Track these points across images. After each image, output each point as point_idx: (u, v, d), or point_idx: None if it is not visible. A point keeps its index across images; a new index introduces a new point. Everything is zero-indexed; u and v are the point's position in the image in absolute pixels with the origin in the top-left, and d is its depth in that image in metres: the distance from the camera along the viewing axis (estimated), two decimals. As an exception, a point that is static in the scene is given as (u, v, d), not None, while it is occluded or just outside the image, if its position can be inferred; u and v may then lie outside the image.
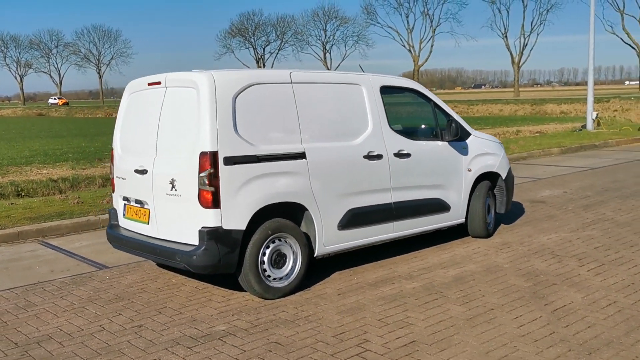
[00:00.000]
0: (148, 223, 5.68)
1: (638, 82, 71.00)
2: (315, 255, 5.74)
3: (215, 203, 5.06)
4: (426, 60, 77.64)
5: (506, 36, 73.41)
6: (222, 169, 5.08)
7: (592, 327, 4.55)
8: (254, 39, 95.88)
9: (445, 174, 6.87)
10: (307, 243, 5.64)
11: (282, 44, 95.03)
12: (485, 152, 7.36)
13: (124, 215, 6.10)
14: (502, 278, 5.82)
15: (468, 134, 7.15)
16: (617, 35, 65.77)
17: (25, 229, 8.45)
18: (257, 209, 5.26)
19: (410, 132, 6.72)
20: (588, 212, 8.77)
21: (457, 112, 36.10)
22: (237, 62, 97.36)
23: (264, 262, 5.36)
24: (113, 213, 6.27)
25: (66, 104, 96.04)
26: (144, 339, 4.64)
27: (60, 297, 5.76)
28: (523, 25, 72.85)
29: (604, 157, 16.10)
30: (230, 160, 5.12)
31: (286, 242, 5.49)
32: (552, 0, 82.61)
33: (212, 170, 5.04)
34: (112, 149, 6.30)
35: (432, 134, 6.93)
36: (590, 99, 24.04)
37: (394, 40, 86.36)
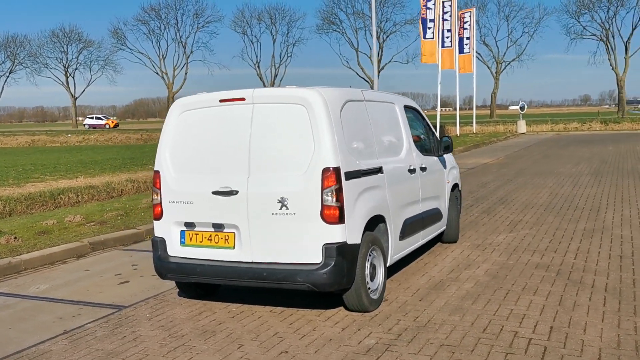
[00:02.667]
0: (233, 247, 5.33)
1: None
2: (387, 265, 5.96)
3: (341, 218, 5.05)
4: (180, 88, 77.46)
5: (258, 66, 77.20)
6: (345, 184, 5.10)
7: (650, 297, 5.65)
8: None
9: (440, 186, 7.58)
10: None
11: (14, 66, 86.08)
12: (453, 165, 8.26)
13: (182, 242, 5.58)
14: (526, 272, 6.68)
15: (446, 150, 7.96)
16: (352, 70, 73.76)
17: (-56, 279, 6.96)
18: (366, 222, 5.36)
19: (419, 148, 7.29)
20: (495, 216, 10.21)
21: None
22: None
23: (367, 275, 5.45)
24: (160, 242, 5.67)
25: (117, 125, 73.33)
26: (313, 362, 4.46)
27: (133, 339, 5.08)
28: (273, 56, 77.45)
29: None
30: (348, 175, 5.17)
31: (376, 254, 5.64)
32: (296, 36, 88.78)
33: (337, 186, 5.03)
34: (157, 172, 5.71)
35: (429, 149, 7.58)
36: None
37: (145, 67, 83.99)
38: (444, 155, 7.92)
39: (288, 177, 5.15)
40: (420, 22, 37.07)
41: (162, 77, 77.20)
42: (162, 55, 77.76)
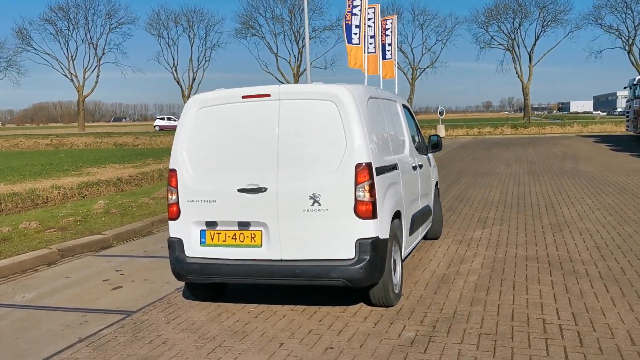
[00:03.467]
0: (261, 245, 5.24)
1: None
2: (403, 260, 6.04)
3: (374, 213, 5.08)
4: (92, 91, 74.22)
5: (175, 70, 75.42)
6: (376, 179, 5.14)
7: (644, 283, 6.05)
8: None
9: (429, 184, 7.77)
10: (398, 250, 5.93)
11: None
12: (434, 163, 8.48)
13: (202, 242, 5.41)
14: (519, 264, 6.96)
15: (429, 149, 8.16)
16: (272, 75, 73.66)
17: None
18: (391, 217, 5.42)
19: (415, 146, 7.42)
20: (461, 214, 10.55)
21: (140, 144, 36.08)
22: None
23: (392, 269, 5.51)
24: (177, 243, 5.48)
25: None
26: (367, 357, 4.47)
27: (162, 343, 4.89)
28: (191, 60, 75.88)
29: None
30: (378, 171, 5.21)
31: (395, 249, 5.71)
32: (214, 40, 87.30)
33: (370, 181, 5.07)
34: (173, 170, 5.51)
35: (419, 148, 7.73)
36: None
37: (53, 69, 79.42)
38: (429, 154, 8.12)
39: (319, 173, 5.13)
40: (345, 28, 37.82)
41: (72, 80, 73.81)
42: (72, 57, 74.39)
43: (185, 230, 5.46)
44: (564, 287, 6.00)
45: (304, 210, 5.12)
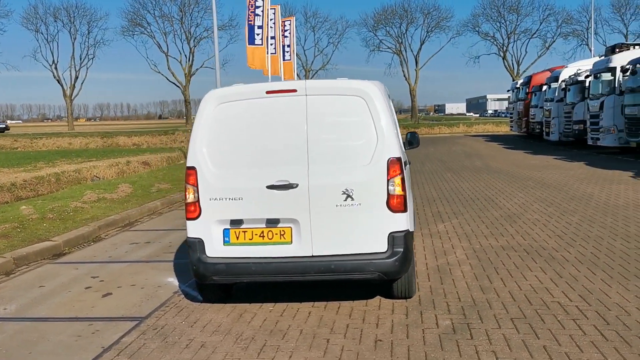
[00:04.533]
0: (291, 242, 5.17)
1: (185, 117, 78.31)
2: (411, 253, 6.18)
3: (405, 207, 5.19)
4: (-40, 90, 68.27)
5: (55, 68, 71.07)
6: (405, 172, 5.24)
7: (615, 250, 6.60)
8: None
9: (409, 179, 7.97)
10: (406, 243, 6.06)
11: None
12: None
13: (225, 242, 5.25)
14: (500, 253, 7.34)
15: (405, 145, 8.36)
16: (162, 75, 71.49)
17: None
18: (413, 211, 5.54)
19: (398, 143, 7.57)
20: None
21: (20, 147, 34.84)
22: None
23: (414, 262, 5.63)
24: (199, 243, 5.27)
25: None
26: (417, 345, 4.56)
27: (201, 347, 4.72)
28: (73, 58, 71.86)
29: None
30: (404, 165, 5.31)
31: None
32: (98, 37, 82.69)
33: (401, 175, 5.17)
34: (192, 168, 5.29)
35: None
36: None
37: None
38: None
39: (351, 168, 5.16)
40: (247, 29, 37.55)
41: (-63, 78, 67.60)
42: None
43: (207, 229, 5.28)
44: (555, 273, 6.41)
45: (337, 206, 5.13)
